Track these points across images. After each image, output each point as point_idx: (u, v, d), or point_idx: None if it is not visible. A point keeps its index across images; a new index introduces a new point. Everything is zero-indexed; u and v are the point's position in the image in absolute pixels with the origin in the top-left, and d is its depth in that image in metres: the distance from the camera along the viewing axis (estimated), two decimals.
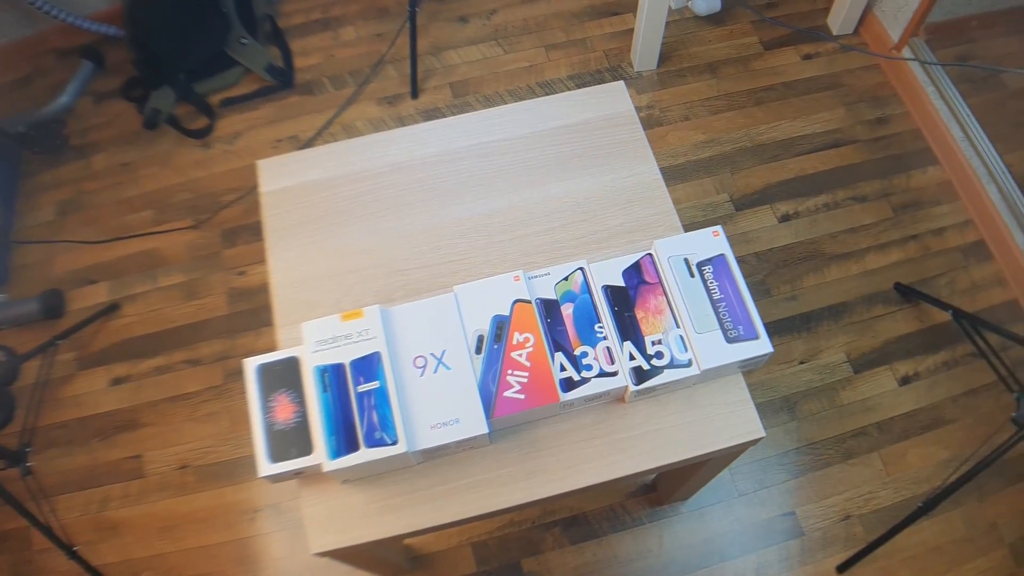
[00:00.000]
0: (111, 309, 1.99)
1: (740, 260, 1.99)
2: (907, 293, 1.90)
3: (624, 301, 1.02)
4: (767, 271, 1.98)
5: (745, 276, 1.96)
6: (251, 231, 2.08)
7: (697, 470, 1.27)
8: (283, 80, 2.28)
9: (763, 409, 1.80)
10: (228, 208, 2.11)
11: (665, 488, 1.62)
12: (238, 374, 1.89)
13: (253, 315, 1.97)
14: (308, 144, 2.21)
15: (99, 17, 2.35)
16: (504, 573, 1.65)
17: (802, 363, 1.85)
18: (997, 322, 1.78)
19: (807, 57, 2.32)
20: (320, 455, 0.92)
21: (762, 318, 1.86)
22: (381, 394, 0.94)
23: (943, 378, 1.82)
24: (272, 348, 1.84)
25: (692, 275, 1.03)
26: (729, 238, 2.01)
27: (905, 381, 1.82)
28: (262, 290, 2.00)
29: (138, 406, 1.87)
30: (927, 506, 1.45)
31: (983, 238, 2.01)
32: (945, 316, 1.83)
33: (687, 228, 2.02)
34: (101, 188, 2.18)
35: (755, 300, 1.92)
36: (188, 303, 2.00)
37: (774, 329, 1.89)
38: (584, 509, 1.71)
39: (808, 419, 1.78)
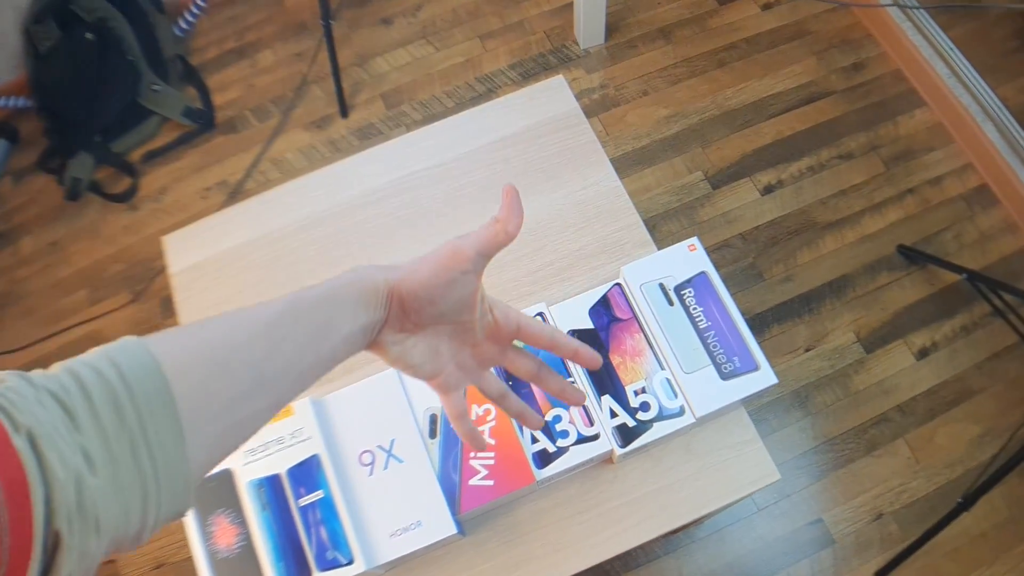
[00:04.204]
0: None
1: (725, 244, 1.82)
2: (912, 255, 1.75)
3: (595, 346, 0.86)
4: (756, 252, 1.81)
5: (733, 261, 1.80)
6: None
7: None
8: (203, 122, 2.11)
9: (772, 408, 1.65)
10: (163, 274, 1.94)
11: None
12: None
13: None
14: (238, 188, 2.04)
15: (5, 90, 2.16)
16: None
17: (808, 350, 1.70)
18: (1013, 272, 1.62)
19: (766, 7, 2.14)
20: None
21: (758, 324, 1.71)
22: (326, 505, 0.80)
23: (963, 345, 1.68)
24: None
25: (671, 303, 0.87)
26: (709, 220, 1.85)
27: (923, 354, 1.67)
28: None
29: None
30: (966, 502, 1.31)
31: (986, 182, 1.86)
32: (956, 275, 1.68)
33: (661, 216, 1.86)
34: (32, 274, 2.01)
35: (747, 287, 1.77)
36: None
37: (772, 316, 1.74)
38: None
39: (823, 412, 1.64)
